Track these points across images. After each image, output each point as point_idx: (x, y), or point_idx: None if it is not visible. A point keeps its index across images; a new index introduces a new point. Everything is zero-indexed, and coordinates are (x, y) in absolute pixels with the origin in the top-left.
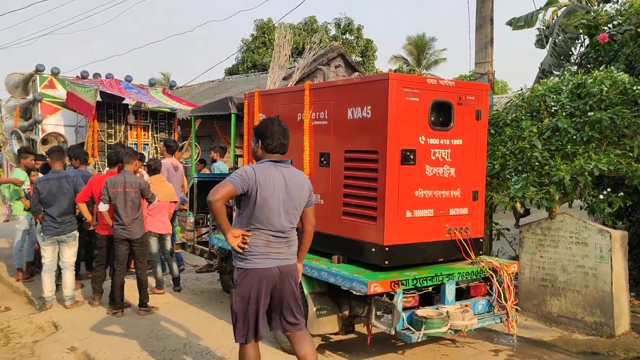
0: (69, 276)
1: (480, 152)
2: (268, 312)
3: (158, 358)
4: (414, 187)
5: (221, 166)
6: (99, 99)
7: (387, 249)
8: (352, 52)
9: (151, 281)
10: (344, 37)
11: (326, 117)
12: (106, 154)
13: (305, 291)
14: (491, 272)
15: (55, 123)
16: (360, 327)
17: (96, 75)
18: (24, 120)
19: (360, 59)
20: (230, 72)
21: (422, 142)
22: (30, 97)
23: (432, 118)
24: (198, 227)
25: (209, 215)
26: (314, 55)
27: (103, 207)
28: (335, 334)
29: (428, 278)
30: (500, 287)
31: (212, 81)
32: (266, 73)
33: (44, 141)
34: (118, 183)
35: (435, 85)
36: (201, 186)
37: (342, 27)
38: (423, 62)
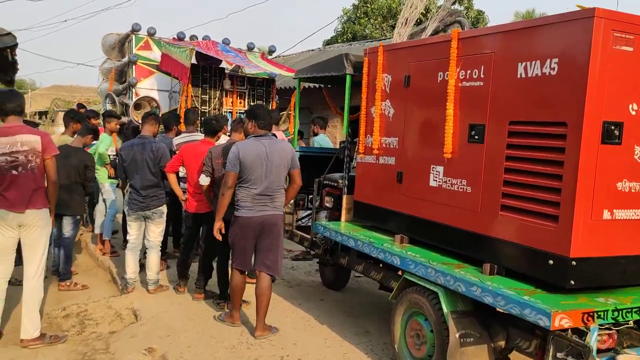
0: (154, 257)
1: None
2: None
3: None
4: (617, 177)
5: (321, 140)
6: (194, 60)
7: (574, 262)
8: None
9: None
10: (453, 7)
11: (482, 75)
12: (201, 121)
13: (445, 309)
14: None
15: (149, 87)
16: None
17: (193, 37)
18: (119, 83)
19: None
20: (328, 43)
21: (633, 113)
22: (125, 59)
23: None
24: (297, 210)
25: (310, 197)
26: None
27: (204, 180)
28: None
29: (634, 310)
30: None
31: (312, 50)
32: (370, 41)
33: (137, 106)
34: (225, 154)
35: None
36: (303, 161)
37: None
38: None
